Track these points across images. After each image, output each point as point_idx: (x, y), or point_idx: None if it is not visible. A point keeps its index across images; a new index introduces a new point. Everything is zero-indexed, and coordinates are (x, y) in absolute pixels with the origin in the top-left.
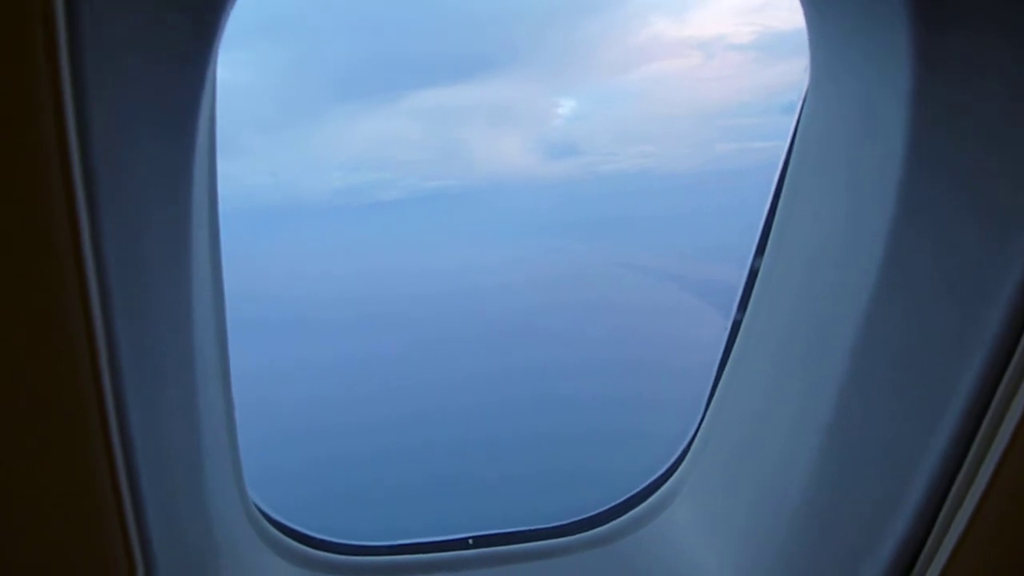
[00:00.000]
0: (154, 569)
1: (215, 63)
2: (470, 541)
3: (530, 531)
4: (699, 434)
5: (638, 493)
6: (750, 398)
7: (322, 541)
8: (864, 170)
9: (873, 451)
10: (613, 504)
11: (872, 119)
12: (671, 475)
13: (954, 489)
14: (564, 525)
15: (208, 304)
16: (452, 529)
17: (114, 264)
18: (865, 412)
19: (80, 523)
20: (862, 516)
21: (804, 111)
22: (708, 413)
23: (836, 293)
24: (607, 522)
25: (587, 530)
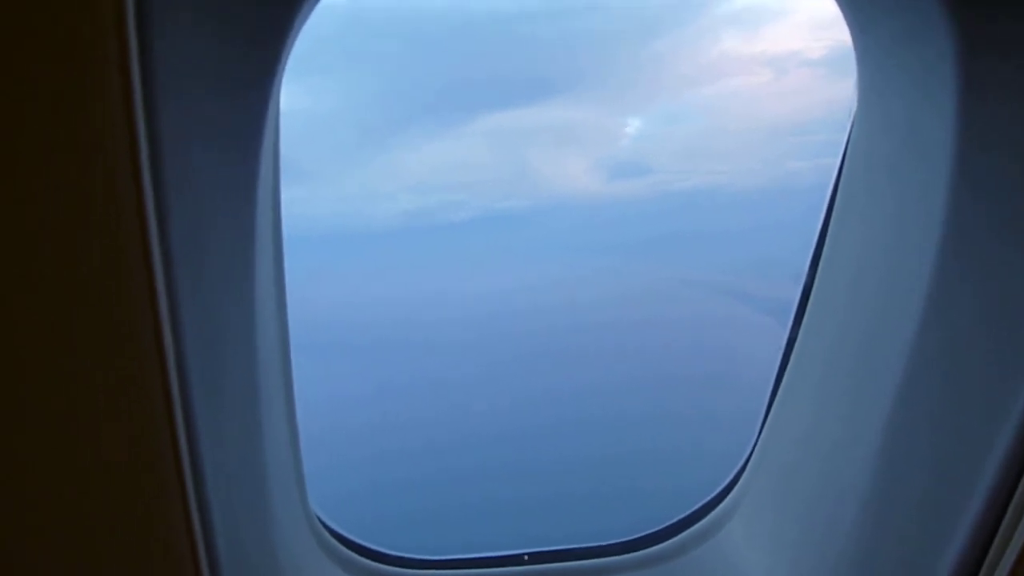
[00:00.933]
0: None
1: (278, 89)
2: (525, 557)
3: (585, 549)
4: (755, 452)
5: (695, 512)
6: (800, 416)
7: (382, 554)
8: (910, 190)
9: (923, 470)
10: (670, 523)
11: (918, 139)
12: (728, 493)
13: (1012, 506)
14: (620, 543)
15: (272, 323)
16: (509, 547)
17: (182, 280)
18: (913, 430)
19: (148, 534)
20: (915, 535)
21: (853, 129)
22: (763, 431)
23: (882, 312)
24: (664, 541)
25: (643, 548)
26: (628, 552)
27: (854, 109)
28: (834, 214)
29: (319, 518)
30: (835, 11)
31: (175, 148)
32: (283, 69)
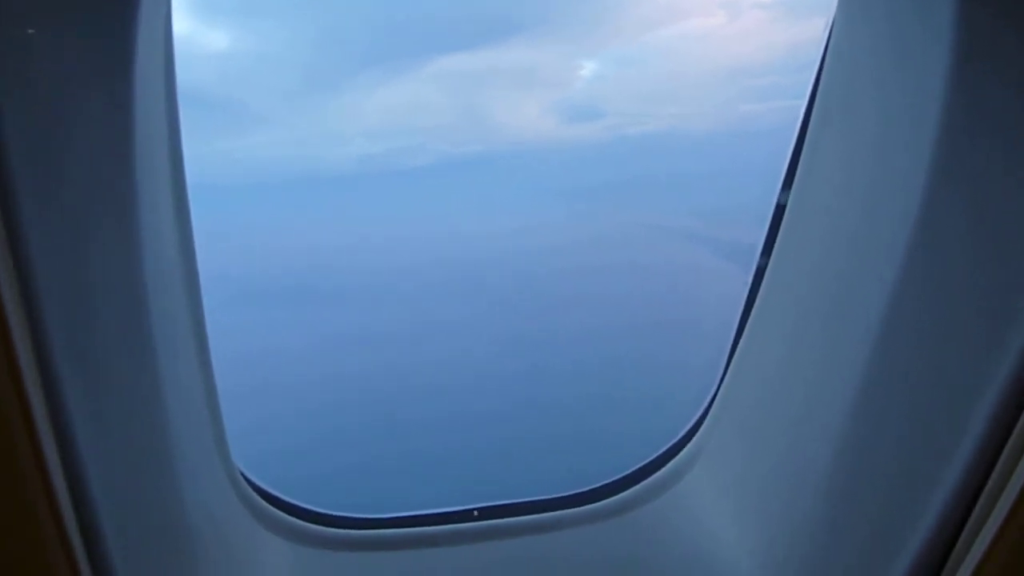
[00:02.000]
0: (106, 557)
1: (157, 15)
2: (475, 513)
3: (539, 502)
4: (718, 397)
5: (654, 460)
6: (770, 356)
7: (318, 514)
8: (896, 110)
9: (902, 415)
10: (627, 472)
11: (906, 53)
12: (688, 441)
13: (1001, 459)
14: (575, 495)
15: (175, 273)
16: (457, 501)
17: (33, 229)
18: (893, 372)
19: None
20: (892, 484)
21: (829, 47)
22: (728, 374)
23: (863, 245)
24: (621, 491)
25: (599, 500)
26: (583, 504)
27: (829, 28)
28: (808, 139)
29: (245, 476)
30: None
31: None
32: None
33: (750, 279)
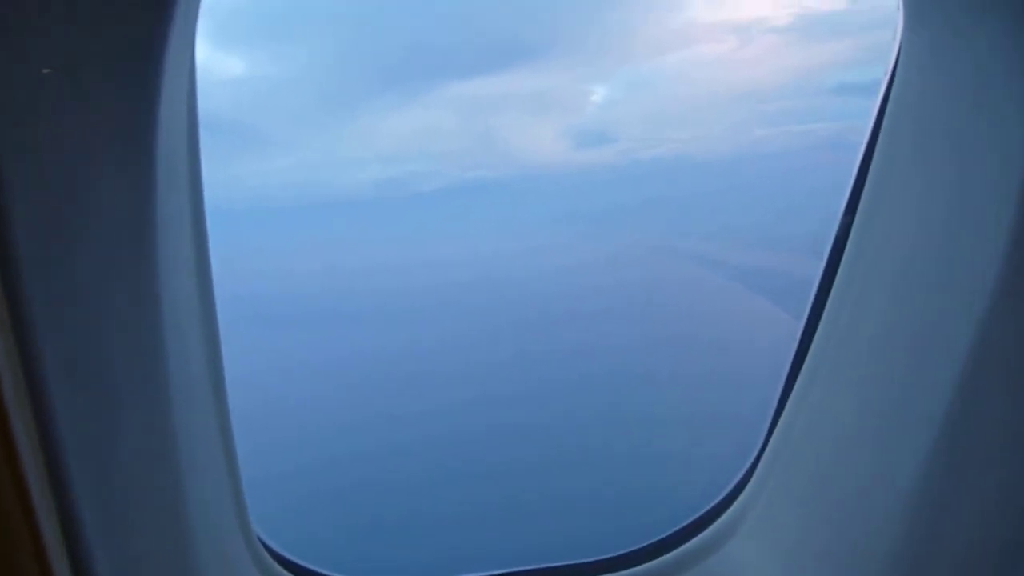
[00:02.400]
0: None
1: (178, 76)
2: None
3: (567, 567)
4: (765, 455)
5: (692, 524)
6: (834, 410)
7: None
8: (974, 148)
9: (989, 486)
10: (662, 536)
11: (986, 95)
12: (732, 502)
13: None
14: (605, 561)
15: (192, 309)
16: (487, 565)
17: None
18: (980, 434)
19: None
20: (973, 560)
21: (895, 85)
22: (777, 431)
23: (944, 290)
24: (655, 558)
25: (630, 567)
26: (612, 571)
27: (893, 67)
28: (869, 182)
29: (263, 542)
30: None
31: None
32: (167, 54)
33: (802, 324)
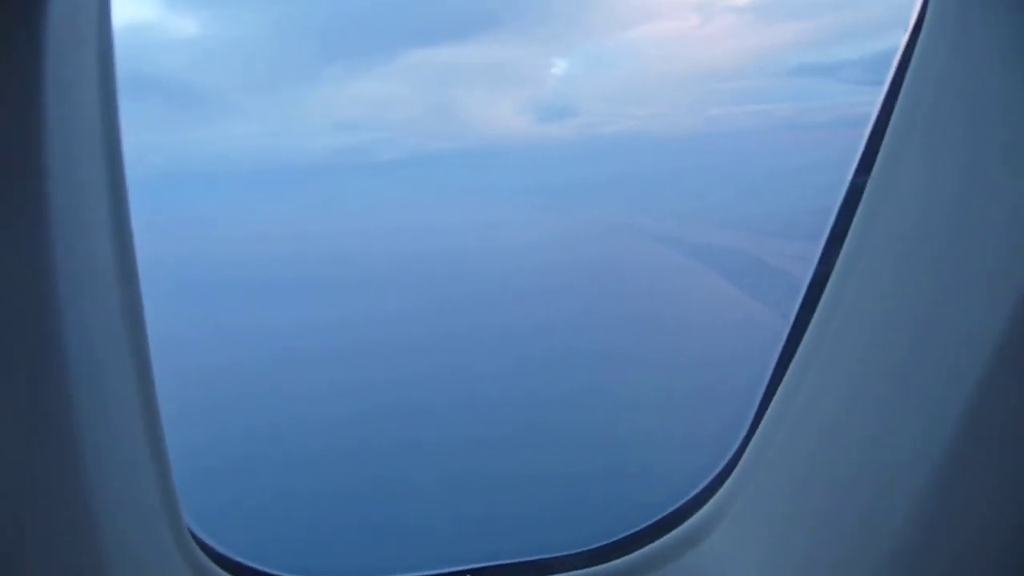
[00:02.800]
0: None
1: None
2: (468, 575)
3: (536, 563)
4: (752, 444)
5: (672, 514)
6: (829, 407)
7: None
8: (993, 122)
9: (997, 492)
10: (641, 528)
11: (1011, 64)
12: (713, 493)
13: None
14: (576, 555)
15: (104, 278)
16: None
17: None
18: (979, 434)
19: None
20: (977, 564)
21: (916, 55)
22: (765, 421)
23: (951, 282)
24: (629, 553)
25: (605, 562)
26: (585, 566)
27: (911, 36)
28: (878, 167)
29: (193, 535)
30: None
31: None
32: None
33: (793, 313)
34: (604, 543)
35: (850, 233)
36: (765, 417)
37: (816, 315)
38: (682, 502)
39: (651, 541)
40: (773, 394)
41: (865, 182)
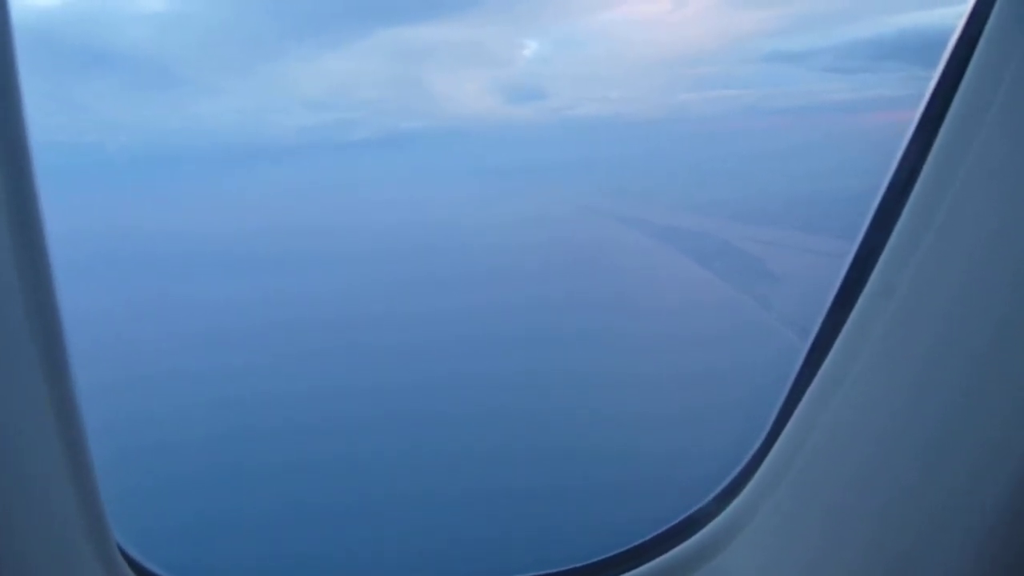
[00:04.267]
0: None
1: None
2: None
3: None
4: (774, 452)
5: (681, 524)
6: (858, 413)
7: None
8: None
9: None
10: (647, 539)
11: None
12: (728, 503)
13: None
14: (573, 570)
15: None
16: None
17: None
18: None
19: None
20: None
21: (985, 37)
22: (788, 431)
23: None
24: (637, 565)
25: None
26: None
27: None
28: (936, 151)
29: (124, 553)
30: None
31: None
32: None
33: (825, 308)
34: (600, 558)
35: (899, 229)
36: (790, 425)
37: (853, 319)
38: (690, 511)
39: (658, 554)
40: (795, 400)
41: (910, 171)
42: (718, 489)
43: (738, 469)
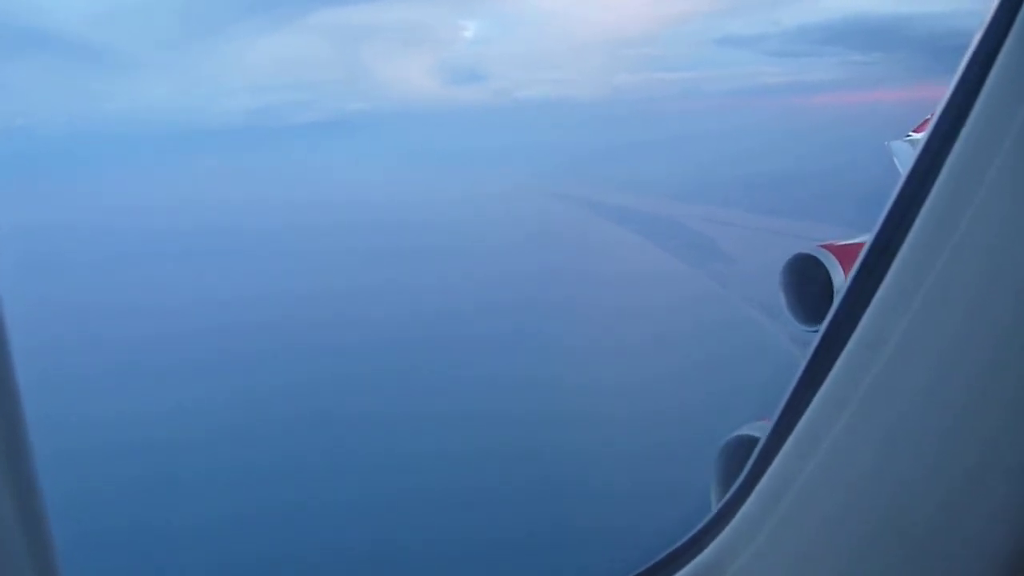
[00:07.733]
0: None
1: None
2: None
3: None
4: (775, 467)
5: (672, 553)
6: (873, 431)
7: None
8: None
9: None
10: (638, 573)
11: None
12: (724, 523)
13: None
14: None
15: None
16: None
17: None
18: None
19: None
20: None
21: (1012, 39)
22: (790, 443)
23: None
24: None
25: None
26: None
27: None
28: (961, 144)
29: None
30: None
31: None
32: None
33: (825, 319)
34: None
35: (913, 234)
36: (791, 439)
37: (865, 324)
38: (686, 538)
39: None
40: (797, 409)
41: (934, 158)
42: (713, 512)
43: (733, 489)
